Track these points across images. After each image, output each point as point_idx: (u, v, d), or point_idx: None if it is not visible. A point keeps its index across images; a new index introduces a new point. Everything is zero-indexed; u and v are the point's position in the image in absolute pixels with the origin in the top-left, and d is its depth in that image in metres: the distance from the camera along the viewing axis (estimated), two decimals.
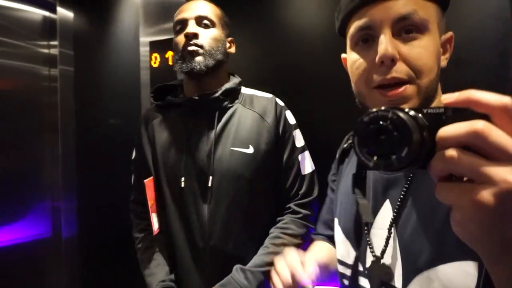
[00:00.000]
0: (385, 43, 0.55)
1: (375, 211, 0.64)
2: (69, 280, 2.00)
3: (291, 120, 1.13)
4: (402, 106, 0.40)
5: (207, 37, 1.06)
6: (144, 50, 1.82)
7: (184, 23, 1.07)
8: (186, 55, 1.05)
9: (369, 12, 0.58)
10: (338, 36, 0.71)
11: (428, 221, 0.55)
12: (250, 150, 1.05)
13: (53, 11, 2.02)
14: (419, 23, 0.56)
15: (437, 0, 0.59)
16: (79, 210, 2.05)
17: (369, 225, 0.64)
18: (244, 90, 1.17)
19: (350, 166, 0.76)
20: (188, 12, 1.07)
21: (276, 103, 1.13)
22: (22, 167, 1.90)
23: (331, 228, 0.82)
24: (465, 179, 0.33)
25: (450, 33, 0.64)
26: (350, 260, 0.69)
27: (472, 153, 0.32)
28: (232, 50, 1.16)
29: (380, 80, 0.57)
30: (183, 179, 1.07)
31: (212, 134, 1.07)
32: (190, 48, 1.04)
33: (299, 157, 1.11)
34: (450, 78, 1.20)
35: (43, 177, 1.99)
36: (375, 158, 0.38)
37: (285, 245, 1.03)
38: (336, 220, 0.75)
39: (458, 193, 0.33)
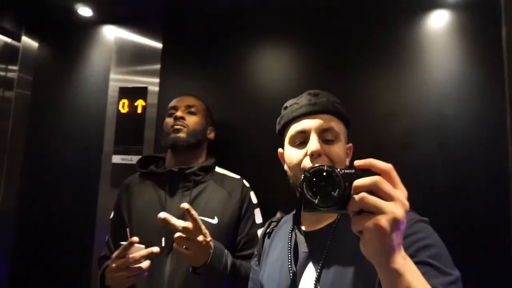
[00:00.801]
0: (315, 143, 0.83)
1: (300, 274, 0.82)
2: None
3: (254, 200, 1.34)
4: None
5: (191, 121, 1.34)
6: (112, 92, 1.82)
7: (175, 109, 1.36)
8: (172, 132, 1.30)
9: (305, 121, 0.87)
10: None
11: (343, 273, 0.75)
12: (215, 220, 1.24)
13: (17, 39, 1.97)
14: (335, 133, 0.86)
15: (344, 122, 0.91)
16: (14, 250, 1.90)
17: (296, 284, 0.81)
18: (218, 169, 1.38)
19: (275, 242, 0.95)
20: (180, 102, 1.38)
21: (243, 184, 1.35)
22: None
23: None
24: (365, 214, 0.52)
25: (350, 144, 0.94)
26: None
27: (374, 196, 0.51)
28: (211, 136, 1.43)
29: (310, 166, 0.77)
30: (155, 238, 1.20)
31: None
32: (177, 126, 1.31)
33: (258, 232, 1.28)
34: (400, 158, 1.39)
35: None
36: (318, 197, 0.56)
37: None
38: None
39: (366, 221, 0.50)
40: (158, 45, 1.81)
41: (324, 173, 0.56)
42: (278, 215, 1.03)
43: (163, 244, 1.19)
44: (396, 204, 0.50)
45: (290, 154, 0.88)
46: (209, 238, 1.01)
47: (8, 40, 1.96)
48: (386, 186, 0.51)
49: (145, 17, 1.82)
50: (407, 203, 0.51)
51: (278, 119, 0.95)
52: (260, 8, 1.69)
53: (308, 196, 0.56)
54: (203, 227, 0.99)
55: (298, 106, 0.89)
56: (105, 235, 1.47)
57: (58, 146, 1.92)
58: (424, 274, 0.53)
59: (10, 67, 1.97)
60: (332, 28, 1.61)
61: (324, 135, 0.85)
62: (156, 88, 1.78)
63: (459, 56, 1.45)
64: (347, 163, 0.90)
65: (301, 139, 0.86)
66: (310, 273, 0.81)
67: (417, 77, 1.48)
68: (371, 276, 0.69)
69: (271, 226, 1.00)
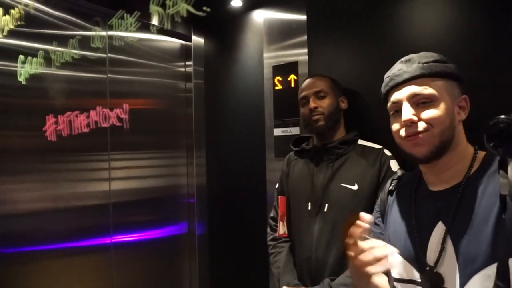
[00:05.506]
0: (405, 112, 0.86)
1: (430, 232, 0.85)
2: (198, 270, 2.34)
3: (394, 167, 1.36)
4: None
5: (325, 106, 1.45)
6: (267, 70, 1.99)
7: (306, 99, 1.48)
8: (312, 122, 1.45)
9: (395, 92, 0.90)
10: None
11: (480, 230, 0.76)
12: (355, 187, 1.37)
13: (189, 40, 2.37)
14: (427, 96, 0.86)
15: (446, 77, 0.88)
16: (210, 212, 2.36)
17: (425, 244, 0.85)
18: (360, 141, 1.48)
19: (399, 200, 0.99)
20: (308, 90, 1.48)
21: (383, 153, 1.39)
22: (167, 172, 2.29)
23: None
24: None
25: (463, 96, 0.90)
26: (408, 276, 0.88)
27: None
28: (344, 106, 1.52)
29: (405, 134, 0.87)
30: (304, 203, 1.45)
31: (329, 173, 1.42)
32: (314, 118, 1.44)
33: None
34: None
35: (180, 181, 2.37)
36: (491, 145, 0.58)
37: None
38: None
39: None
40: (303, 17, 1.86)
41: (505, 124, 0.57)
42: (399, 172, 1.06)
43: (309, 208, 1.42)
44: None
45: (391, 124, 0.93)
46: None
47: (183, 42, 2.38)
48: None
49: None
50: None
51: (382, 86, 0.98)
52: None
53: (489, 149, 0.60)
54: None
55: (389, 79, 0.93)
56: (273, 196, 1.69)
57: (229, 124, 2.25)
58: None
59: (187, 63, 2.40)
60: None
61: (417, 99, 0.86)
62: (306, 58, 1.84)
63: None
64: (463, 116, 0.89)
65: (396, 108, 0.90)
66: (440, 230, 0.84)
67: None
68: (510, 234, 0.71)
69: (393, 184, 1.04)
